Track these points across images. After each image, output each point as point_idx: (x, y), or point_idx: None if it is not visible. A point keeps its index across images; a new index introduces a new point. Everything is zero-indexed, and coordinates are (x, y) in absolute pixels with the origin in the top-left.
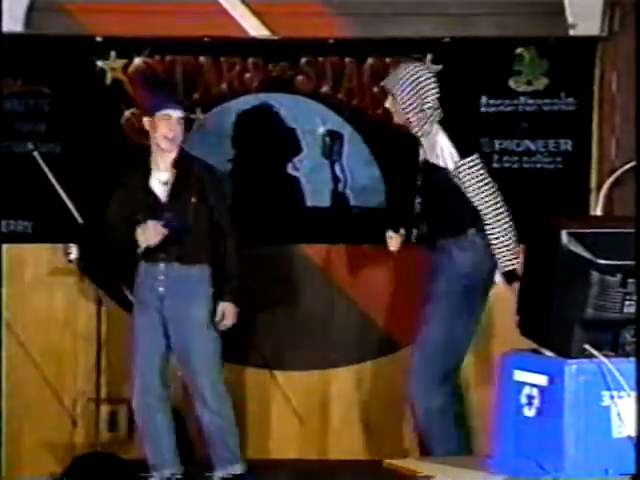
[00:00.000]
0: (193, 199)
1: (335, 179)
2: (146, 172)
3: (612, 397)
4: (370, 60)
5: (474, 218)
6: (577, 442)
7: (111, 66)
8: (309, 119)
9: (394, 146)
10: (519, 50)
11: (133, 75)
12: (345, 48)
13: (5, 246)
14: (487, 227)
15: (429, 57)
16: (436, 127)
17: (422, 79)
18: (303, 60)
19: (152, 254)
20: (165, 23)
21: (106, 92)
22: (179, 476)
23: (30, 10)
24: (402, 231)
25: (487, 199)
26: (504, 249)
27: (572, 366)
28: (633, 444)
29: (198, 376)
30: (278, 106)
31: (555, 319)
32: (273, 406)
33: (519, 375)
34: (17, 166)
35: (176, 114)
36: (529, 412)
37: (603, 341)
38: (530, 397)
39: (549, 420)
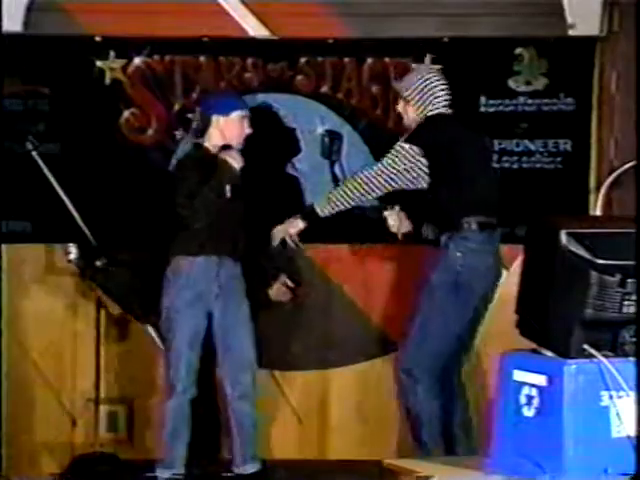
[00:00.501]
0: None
1: (334, 179)
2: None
3: (611, 397)
4: (370, 60)
5: (463, 212)
6: (576, 442)
7: (110, 66)
8: (308, 119)
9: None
10: (518, 50)
11: (132, 75)
12: (345, 48)
13: (4, 246)
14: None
15: (429, 57)
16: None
17: (433, 84)
18: (302, 60)
19: (208, 248)
20: (164, 23)
21: (105, 92)
22: (180, 477)
23: (29, 10)
24: (397, 208)
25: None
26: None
27: (571, 366)
28: (632, 444)
29: (243, 371)
30: (277, 106)
31: (554, 319)
32: (272, 406)
33: (518, 375)
34: (16, 166)
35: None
36: (528, 412)
37: (602, 341)
38: (529, 397)
39: (548, 420)
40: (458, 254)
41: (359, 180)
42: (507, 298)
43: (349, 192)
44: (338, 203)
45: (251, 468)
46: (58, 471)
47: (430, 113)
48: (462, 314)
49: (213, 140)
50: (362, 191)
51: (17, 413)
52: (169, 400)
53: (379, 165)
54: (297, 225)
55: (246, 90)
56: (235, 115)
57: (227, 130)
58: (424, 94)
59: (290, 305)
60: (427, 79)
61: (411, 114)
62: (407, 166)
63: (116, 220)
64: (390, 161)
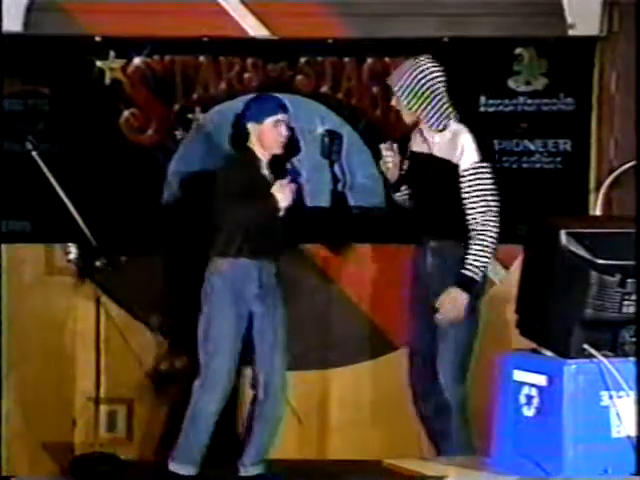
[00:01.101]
0: None
1: (334, 179)
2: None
3: (611, 397)
4: (369, 60)
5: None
6: (576, 442)
7: (110, 66)
8: (308, 119)
9: None
10: (518, 50)
11: (132, 75)
12: (344, 48)
13: (4, 246)
14: (473, 234)
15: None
16: (458, 125)
17: (427, 72)
18: (302, 60)
19: (249, 251)
20: (164, 23)
21: (105, 92)
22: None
23: (29, 10)
24: (395, 146)
25: (485, 208)
26: (476, 258)
27: (571, 366)
28: (632, 444)
29: (273, 373)
30: None
31: (554, 319)
32: None
33: (518, 375)
34: (16, 166)
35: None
36: (528, 412)
37: (602, 341)
38: (529, 397)
39: (548, 420)
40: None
41: (491, 227)
42: (507, 297)
43: (491, 243)
44: (487, 259)
45: (255, 470)
46: (58, 471)
47: (432, 100)
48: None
49: (256, 149)
50: (491, 236)
51: (17, 413)
52: (203, 397)
53: (479, 202)
54: (463, 300)
55: (246, 90)
56: (269, 121)
57: (264, 139)
58: (419, 82)
59: (289, 306)
60: (420, 67)
61: (405, 107)
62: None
63: (116, 220)
64: (483, 187)
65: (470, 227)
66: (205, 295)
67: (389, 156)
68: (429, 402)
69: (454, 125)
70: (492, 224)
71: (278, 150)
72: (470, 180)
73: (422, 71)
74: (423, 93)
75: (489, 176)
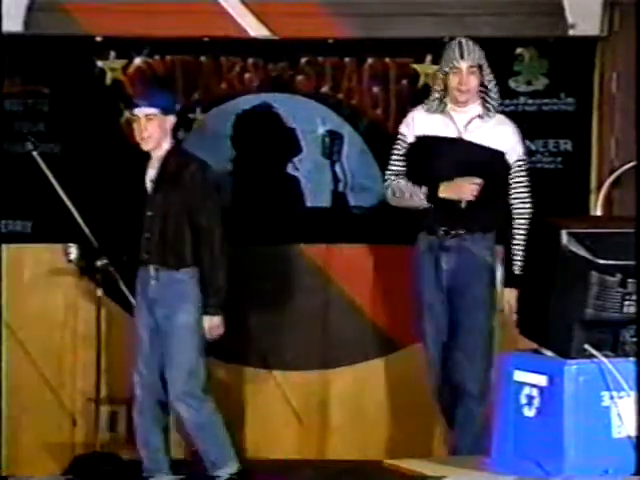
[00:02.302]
0: (175, 198)
1: (335, 179)
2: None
3: (612, 397)
4: (370, 60)
5: (500, 219)
6: (577, 442)
7: (111, 66)
8: (309, 119)
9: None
10: (519, 50)
11: (133, 75)
12: (345, 48)
13: (4, 246)
14: (517, 229)
15: (429, 57)
16: (502, 115)
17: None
18: (303, 60)
19: (141, 258)
20: (165, 23)
21: (106, 92)
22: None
23: (30, 10)
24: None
25: (528, 201)
26: (520, 254)
27: (572, 366)
28: (633, 444)
29: (177, 381)
30: (278, 106)
31: (555, 319)
32: (273, 406)
33: (519, 375)
34: (16, 166)
35: (143, 112)
36: (529, 412)
37: (603, 341)
38: (530, 397)
39: (549, 420)
40: (491, 259)
41: (528, 224)
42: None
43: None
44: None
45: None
46: (58, 471)
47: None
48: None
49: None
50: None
51: (17, 413)
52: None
53: (523, 195)
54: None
55: (246, 90)
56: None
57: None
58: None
59: (290, 306)
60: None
61: (483, 83)
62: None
63: (117, 220)
64: (526, 181)
65: (517, 219)
66: None
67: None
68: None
69: (497, 114)
70: (528, 217)
71: (143, 147)
72: (514, 174)
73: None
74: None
75: (527, 171)
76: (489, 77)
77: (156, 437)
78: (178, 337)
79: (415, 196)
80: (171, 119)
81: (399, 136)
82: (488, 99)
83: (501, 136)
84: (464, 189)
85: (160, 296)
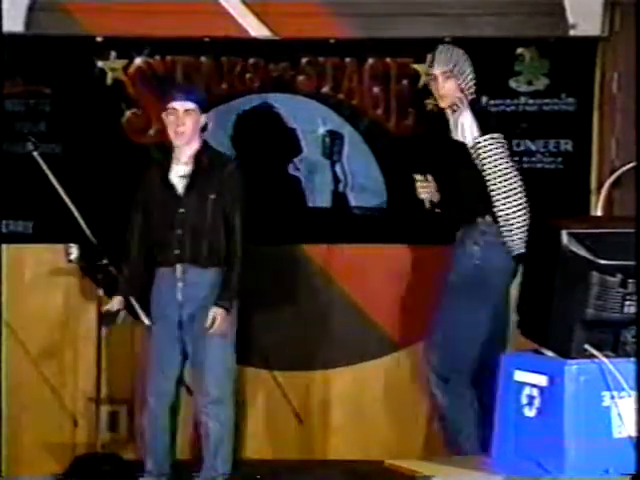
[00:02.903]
0: (212, 195)
1: (335, 179)
2: (166, 166)
3: (612, 397)
4: (370, 60)
5: (486, 206)
6: (577, 442)
7: (111, 66)
8: (310, 119)
9: (394, 146)
10: (519, 50)
11: (133, 75)
12: (345, 48)
13: (5, 246)
14: (497, 209)
15: (429, 57)
16: (465, 106)
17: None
18: (304, 60)
19: (166, 257)
20: (165, 23)
21: (106, 92)
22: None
23: (30, 10)
24: (430, 177)
25: (501, 179)
26: (514, 232)
27: (572, 366)
28: (633, 444)
29: (206, 382)
30: (279, 106)
31: (555, 319)
32: (273, 406)
33: (519, 375)
34: (17, 166)
35: (183, 106)
36: (529, 412)
37: (603, 341)
38: (530, 397)
39: (549, 420)
40: (476, 248)
41: (512, 200)
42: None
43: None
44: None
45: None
46: (59, 471)
47: (472, 83)
48: (485, 312)
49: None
50: (518, 203)
51: (18, 413)
52: None
53: (492, 175)
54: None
55: (247, 90)
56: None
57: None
58: (469, 65)
59: (290, 306)
60: (462, 52)
61: (457, 88)
62: (505, 150)
63: (117, 220)
64: (493, 159)
65: (494, 200)
66: None
67: (424, 187)
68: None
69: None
70: (507, 193)
71: (175, 141)
72: (478, 157)
73: (463, 53)
74: (470, 77)
75: (495, 147)
76: (467, 78)
77: (163, 443)
78: (211, 340)
79: None
80: (203, 118)
81: None
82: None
83: (459, 127)
84: (417, 192)
85: (189, 297)
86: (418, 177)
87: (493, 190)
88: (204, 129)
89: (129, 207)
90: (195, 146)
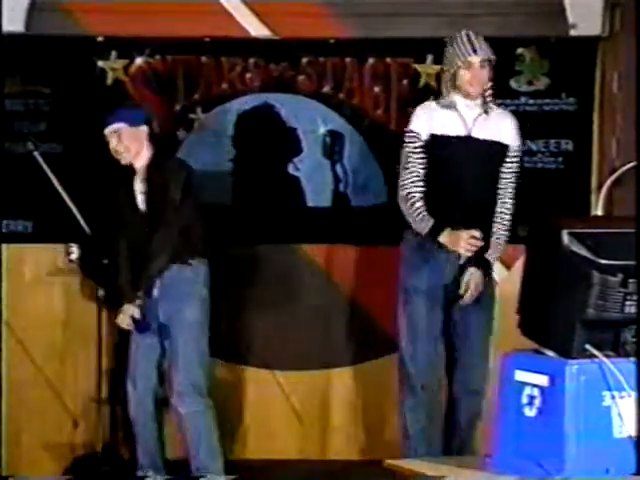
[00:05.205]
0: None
1: (336, 179)
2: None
3: (613, 397)
4: (371, 60)
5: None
6: (578, 442)
7: (112, 66)
8: (310, 119)
9: (395, 146)
10: (520, 50)
11: (134, 75)
12: (346, 48)
13: (5, 246)
14: (501, 214)
15: (430, 57)
16: (498, 109)
17: None
18: (304, 60)
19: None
20: (166, 23)
21: (107, 92)
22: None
23: (30, 10)
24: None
25: (513, 192)
26: (501, 240)
27: (573, 366)
28: (634, 444)
29: (181, 377)
30: (279, 106)
31: (556, 319)
32: (273, 406)
33: (520, 375)
34: (17, 166)
35: (111, 129)
36: (530, 412)
37: (604, 341)
38: (531, 397)
39: (550, 420)
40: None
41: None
42: (509, 298)
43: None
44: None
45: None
46: (59, 471)
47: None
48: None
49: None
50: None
51: (18, 413)
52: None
53: (513, 183)
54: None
55: (248, 90)
56: (106, 132)
57: None
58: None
59: (291, 305)
60: None
61: (489, 78)
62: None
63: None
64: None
65: (501, 209)
66: None
67: (474, 245)
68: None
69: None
70: (512, 205)
71: (122, 161)
72: (512, 162)
73: None
74: None
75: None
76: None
77: (152, 437)
78: (185, 335)
79: (418, 226)
80: (143, 129)
81: (412, 134)
82: (486, 93)
83: (505, 129)
84: (461, 243)
85: (164, 295)
86: (476, 234)
87: (508, 195)
88: (153, 136)
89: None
90: (145, 158)
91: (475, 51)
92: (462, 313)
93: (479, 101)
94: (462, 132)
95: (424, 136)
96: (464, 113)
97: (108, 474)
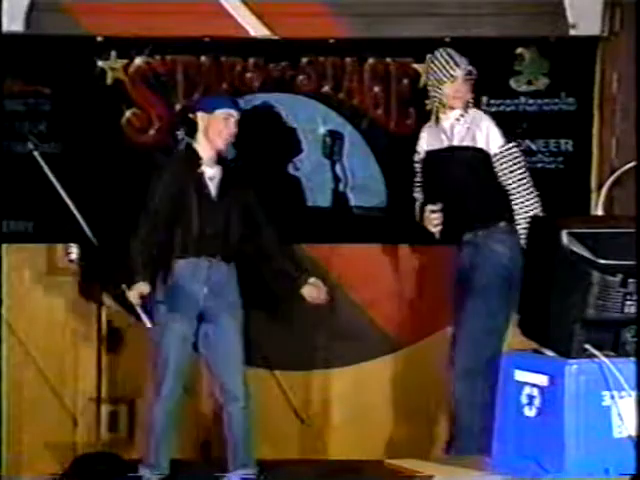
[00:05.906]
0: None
1: (336, 179)
2: (195, 164)
3: (612, 397)
4: (371, 60)
5: (506, 208)
6: (577, 442)
7: (112, 66)
8: (310, 119)
9: (394, 146)
10: (519, 50)
11: (134, 75)
12: (346, 48)
13: (5, 246)
14: (518, 215)
15: (429, 57)
16: (477, 111)
17: None
18: (304, 60)
19: (195, 250)
20: (166, 23)
21: (107, 92)
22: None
23: (30, 10)
24: (440, 205)
25: (525, 187)
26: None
27: (573, 366)
28: (633, 444)
29: (231, 376)
30: (279, 106)
31: (556, 319)
32: (273, 406)
33: (520, 375)
34: (18, 166)
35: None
36: (530, 412)
37: (604, 341)
38: (531, 397)
39: (550, 420)
40: (502, 251)
41: (531, 208)
42: None
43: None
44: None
45: (246, 474)
46: (59, 471)
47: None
48: (510, 310)
49: (199, 144)
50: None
51: (18, 413)
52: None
53: (518, 182)
54: None
55: (247, 90)
56: (219, 113)
57: (210, 130)
58: None
59: (291, 305)
60: None
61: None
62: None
63: (117, 220)
64: (518, 167)
65: (516, 210)
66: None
67: (437, 218)
68: None
69: (474, 111)
70: (529, 201)
71: (221, 145)
72: (502, 165)
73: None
74: None
75: (518, 155)
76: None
77: (169, 440)
78: (231, 338)
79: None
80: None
81: (416, 152)
82: (468, 106)
83: (477, 132)
84: (427, 222)
85: (213, 293)
86: (434, 208)
87: (518, 193)
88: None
89: (129, 207)
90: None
91: (458, 65)
92: None
93: (457, 112)
94: (445, 144)
95: (422, 154)
96: (445, 125)
97: (107, 474)
